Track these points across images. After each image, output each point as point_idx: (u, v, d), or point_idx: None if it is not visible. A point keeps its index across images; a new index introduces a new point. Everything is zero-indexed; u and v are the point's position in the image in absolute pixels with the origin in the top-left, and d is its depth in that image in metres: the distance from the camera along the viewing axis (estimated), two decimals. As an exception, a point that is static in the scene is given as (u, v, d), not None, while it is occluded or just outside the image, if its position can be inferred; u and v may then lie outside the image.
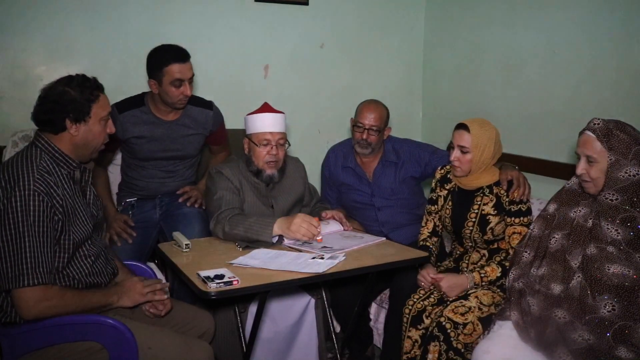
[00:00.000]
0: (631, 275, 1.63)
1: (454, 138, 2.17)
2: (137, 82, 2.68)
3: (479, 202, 2.21)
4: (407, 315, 2.16)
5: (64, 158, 1.74)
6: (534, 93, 2.85)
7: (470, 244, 2.26)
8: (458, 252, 2.36)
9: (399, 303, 2.23)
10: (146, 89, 2.47)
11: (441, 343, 1.99)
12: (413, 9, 3.58)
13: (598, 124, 1.74)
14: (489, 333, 1.89)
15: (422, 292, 2.20)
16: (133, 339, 1.67)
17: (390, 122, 2.67)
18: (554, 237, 1.85)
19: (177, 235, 2.11)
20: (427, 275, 2.19)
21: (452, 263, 2.36)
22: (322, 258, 1.90)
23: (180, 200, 2.55)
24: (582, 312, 1.66)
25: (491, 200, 2.19)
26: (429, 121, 3.68)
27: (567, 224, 1.84)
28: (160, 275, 2.32)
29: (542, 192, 2.50)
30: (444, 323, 2.00)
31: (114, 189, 2.69)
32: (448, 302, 2.09)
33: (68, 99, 1.70)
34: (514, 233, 2.14)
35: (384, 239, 2.23)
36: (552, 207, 1.93)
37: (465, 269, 2.25)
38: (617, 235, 1.68)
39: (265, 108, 2.30)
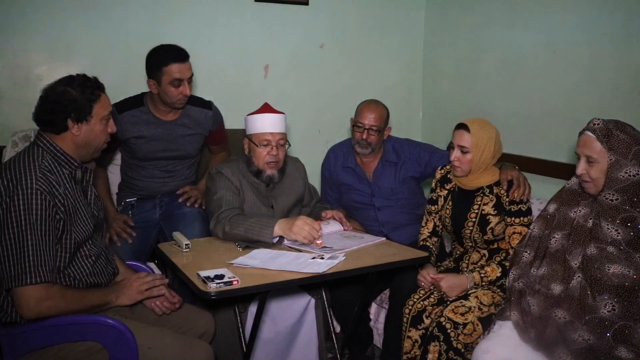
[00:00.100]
0: (631, 275, 1.63)
1: (454, 138, 2.17)
2: (137, 82, 2.68)
3: (479, 202, 2.21)
4: (407, 315, 2.16)
5: (66, 158, 1.75)
6: (534, 93, 2.85)
7: (470, 244, 2.26)
8: (458, 252, 2.36)
9: (399, 303, 2.23)
10: (146, 89, 2.47)
11: (441, 343, 1.99)
12: (413, 9, 3.58)
13: (598, 124, 1.74)
14: (489, 333, 1.89)
15: (422, 292, 2.20)
16: (133, 339, 1.68)
17: (390, 122, 2.67)
18: (554, 237, 1.85)
19: (177, 235, 2.11)
20: (427, 275, 2.19)
21: (452, 263, 2.36)
22: (322, 258, 1.90)
23: (180, 200, 2.55)
24: (582, 312, 1.66)
25: (491, 200, 2.19)
26: (429, 121, 3.68)
27: (567, 224, 1.84)
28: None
29: (542, 192, 2.50)
30: (444, 323, 2.00)
31: (114, 189, 2.69)
32: (448, 302, 2.09)
33: (69, 98, 1.70)
34: (514, 233, 2.14)
35: (384, 239, 2.23)
36: (552, 207, 1.93)
37: (465, 269, 2.25)
38: (617, 236, 1.68)
39: (266, 108, 2.30)
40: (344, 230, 2.33)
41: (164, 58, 2.32)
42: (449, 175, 2.34)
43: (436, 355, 2.00)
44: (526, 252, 1.93)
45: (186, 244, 2.04)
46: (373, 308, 2.70)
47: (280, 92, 3.24)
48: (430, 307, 2.14)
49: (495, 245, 2.22)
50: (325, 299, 2.36)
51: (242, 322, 2.13)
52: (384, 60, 3.55)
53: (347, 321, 2.37)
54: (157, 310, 1.92)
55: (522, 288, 1.86)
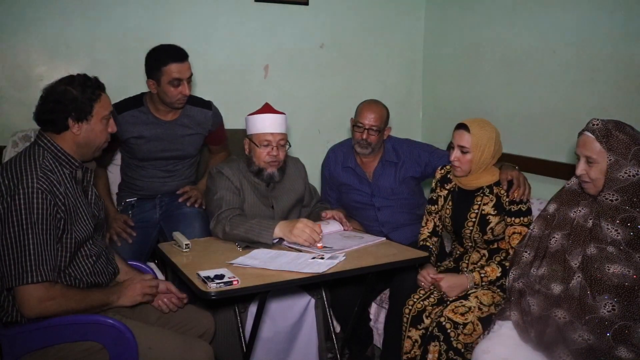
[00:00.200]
0: (631, 275, 1.63)
1: (454, 138, 2.18)
2: (137, 82, 2.68)
3: (479, 202, 2.21)
4: (407, 315, 2.16)
5: (67, 157, 1.75)
6: (534, 93, 2.85)
7: (470, 244, 2.26)
8: (458, 252, 2.36)
9: (399, 303, 2.23)
10: (146, 89, 2.47)
11: (441, 343, 1.99)
12: (413, 9, 3.58)
13: (597, 124, 1.74)
14: (489, 333, 1.89)
15: (422, 292, 2.20)
16: (133, 339, 1.68)
17: (390, 122, 2.67)
18: (554, 237, 1.85)
19: (177, 235, 2.12)
20: (427, 275, 2.19)
21: (452, 263, 2.36)
22: (322, 258, 1.90)
23: (180, 200, 2.55)
24: (582, 312, 1.66)
25: (491, 200, 2.19)
26: (429, 121, 3.68)
27: (567, 224, 1.84)
28: (160, 275, 2.32)
29: (542, 192, 2.50)
30: (444, 323, 2.00)
31: (114, 189, 2.69)
32: (448, 302, 2.09)
33: (70, 98, 1.70)
34: (514, 233, 2.14)
35: (384, 239, 2.23)
36: (552, 207, 1.93)
37: (465, 269, 2.25)
38: (617, 236, 1.68)
39: (266, 109, 2.30)
40: (344, 230, 2.33)
41: (163, 58, 2.32)
42: (449, 175, 2.34)
43: (436, 355, 2.01)
44: (526, 252, 1.93)
45: (186, 244, 2.04)
46: (373, 308, 2.70)
47: (280, 92, 3.24)
48: (430, 307, 2.14)
49: (495, 245, 2.22)
50: (325, 299, 2.36)
51: (242, 322, 2.13)
52: (384, 60, 3.55)
53: (347, 321, 2.37)
54: (164, 308, 1.93)
55: (522, 288, 1.86)
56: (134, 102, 2.48)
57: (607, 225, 1.70)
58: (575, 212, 1.84)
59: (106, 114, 1.79)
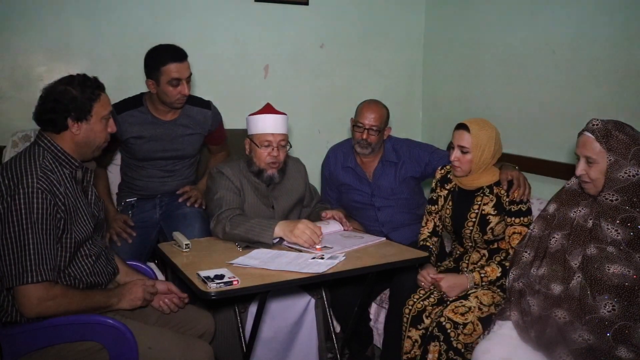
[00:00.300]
0: (631, 275, 1.63)
1: (454, 138, 2.18)
2: (137, 82, 2.68)
3: (479, 202, 2.21)
4: (407, 315, 2.16)
5: (66, 157, 1.75)
6: (534, 93, 2.85)
7: (470, 244, 2.26)
8: (458, 252, 2.36)
9: (399, 303, 2.23)
10: (146, 89, 2.47)
11: (441, 343, 1.99)
12: (413, 9, 3.58)
13: (597, 124, 1.74)
14: (489, 333, 1.89)
15: (422, 292, 2.20)
16: (133, 339, 1.68)
17: (390, 122, 2.67)
18: (554, 237, 1.85)
19: (177, 235, 2.12)
20: (427, 275, 2.19)
21: (452, 263, 2.36)
22: (322, 258, 1.90)
23: (180, 200, 2.55)
24: (582, 312, 1.66)
25: (491, 200, 2.19)
26: (429, 121, 3.68)
27: (567, 224, 1.84)
28: (160, 275, 2.32)
29: (542, 192, 2.51)
30: (444, 323, 2.00)
31: (114, 189, 2.69)
32: (448, 302, 2.09)
33: (69, 97, 1.70)
34: (514, 233, 2.14)
35: (384, 239, 2.23)
36: (552, 207, 1.93)
37: (465, 269, 2.25)
38: (617, 236, 1.68)
39: (268, 109, 2.30)
40: (344, 230, 2.33)
41: (162, 58, 2.32)
42: (449, 175, 2.34)
43: (436, 355, 2.00)
44: (526, 252, 1.93)
45: (186, 244, 2.04)
46: (373, 308, 2.70)
47: (280, 92, 3.24)
48: (430, 307, 2.14)
49: (495, 245, 2.22)
50: (325, 299, 2.36)
51: (242, 322, 2.13)
52: (384, 60, 3.55)
53: (347, 321, 2.37)
54: (165, 309, 1.93)
55: (522, 288, 1.86)
56: (134, 102, 2.48)
57: (607, 225, 1.70)
58: (575, 212, 1.84)
59: (105, 114, 1.79)
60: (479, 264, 2.24)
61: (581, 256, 1.74)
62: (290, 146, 2.35)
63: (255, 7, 3.14)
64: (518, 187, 2.13)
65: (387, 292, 2.57)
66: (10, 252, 1.58)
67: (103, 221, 1.96)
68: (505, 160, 2.31)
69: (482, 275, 2.14)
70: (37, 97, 1.75)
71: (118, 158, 2.69)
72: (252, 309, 2.17)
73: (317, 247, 2.02)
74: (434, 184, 2.40)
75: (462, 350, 1.96)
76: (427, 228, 2.40)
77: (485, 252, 2.24)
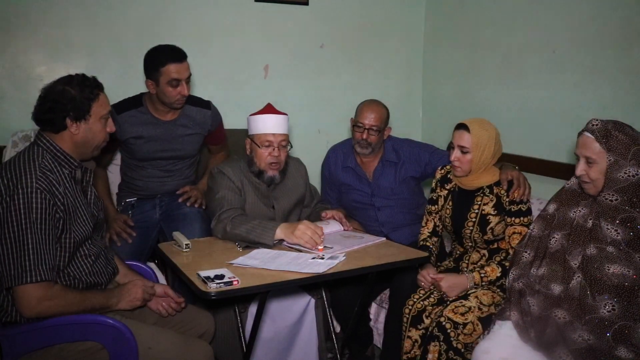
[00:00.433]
0: (631, 275, 1.63)
1: (454, 138, 2.17)
2: (137, 82, 2.68)
3: (479, 202, 2.21)
4: (407, 315, 2.16)
5: (66, 157, 1.75)
6: (534, 93, 2.85)
7: (470, 244, 2.26)
8: (458, 252, 2.36)
9: (399, 303, 2.23)
10: (145, 89, 2.47)
11: (441, 343, 1.99)
12: (413, 9, 3.58)
13: (596, 124, 1.74)
14: (489, 333, 1.89)
15: (422, 292, 2.20)
16: (133, 339, 1.68)
17: (390, 122, 2.67)
18: (554, 237, 1.85)
19: (177, 235, 2.12)
20: (427, 275, 2.19)
21: (452, 263, 2.36)
22: (322, 258, 1.90)
23: (180, 200, 2.55)
24: (582, 312, 1.66)
25: (491, 200, 2.19)
26: (429, 121, 3.68)
27: (566, 224, 1.84)
28: (160, 275, 2.32)
29: (542, 192, 2.50)
30: (444, 323, 2.00)
31: (114, 189, 2.69)
32: (448, 302, 2.09)
33: (68, 97, 1.70)
34: (514, 233, 2.14)
35: (384, 239, 2.23)
36: (552, 207, 1.93)
37: (465, 269, 2.25)
38: (617, 236, 1.68)
39: (268, 109, 2.29)
40: (344, 230, 2.33)
41: (162, 58, 2.32)
42: (449, 175, 2.34)
43: (436, 355, 2.00)
44: (526, 252, 1.93)
45: (186, 244, 2.04)
46: (373, 308, 2.70)
47: (280, 91, 3.24)
48: (430, 307, 2.14)
49: (495, 245, 2.22)
50: (325, 299, 2.36)
51: (242, 322, 2.13)
52: (384, 60, 3.55)
53: (347, 321, 2.37)
54: (163, 312, 1.93)
55: (522, 288, 1.86)
56: (133, 103, 2.48)
57: (607, 225, 1.70)
58: (575, 212, 1.84)
59: (104, 114, 1.79)
60: (479, 264, 2.24)
61: (581, 256, 1.74)
62: (291, 146, 2.35)
63: (255, 7, 3.14)
64: (518, 187, 2.13)
65: (387, 292, 2.57)
66: (9, 252, 1.58)
67: (102, 221, 1.96)
68: (505, 160, 2.31)
69: (482, 275, 2.14)
70: (37, 97, 1.75)
71: (118, 158, 2.69)
72: (252, 309, 2.17)
73: (320, 247, 2.02)
74: (434, 184, 2.40)
75: (462, 350, 1.96)
76: (427, 228, 2.40)
77: (485, 252, 2.24)
